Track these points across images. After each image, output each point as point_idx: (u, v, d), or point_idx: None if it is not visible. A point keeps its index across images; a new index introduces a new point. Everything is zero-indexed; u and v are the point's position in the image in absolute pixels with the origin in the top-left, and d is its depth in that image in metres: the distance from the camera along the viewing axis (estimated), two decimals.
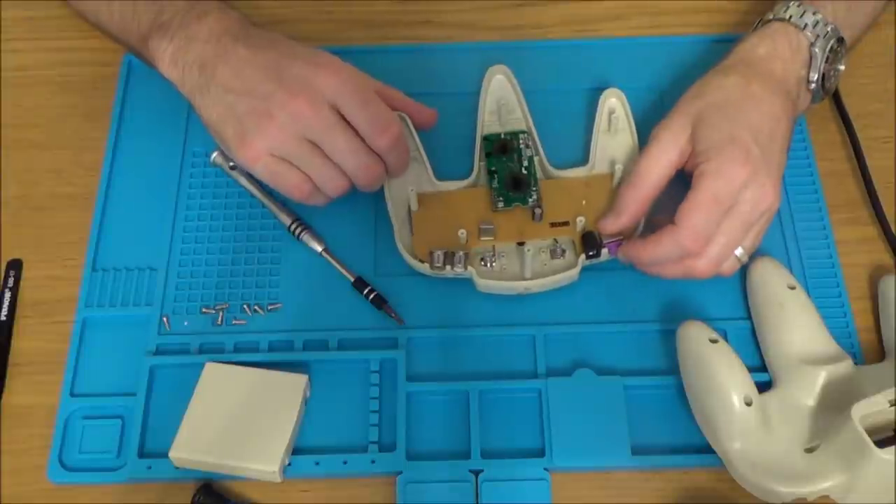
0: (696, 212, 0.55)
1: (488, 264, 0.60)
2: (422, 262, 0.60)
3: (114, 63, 0.70)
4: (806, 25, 0.60)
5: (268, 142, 0.56)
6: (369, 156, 0.57)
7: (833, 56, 0.61)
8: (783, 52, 0.60)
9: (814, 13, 0.60)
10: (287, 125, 0.55)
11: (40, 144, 0.68)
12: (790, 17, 0.60)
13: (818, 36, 0.60)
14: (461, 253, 0.59)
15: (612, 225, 0.59)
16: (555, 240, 0.61)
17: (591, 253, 0.59)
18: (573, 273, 0.59)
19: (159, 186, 0.65)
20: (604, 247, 0.59)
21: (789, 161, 0.61)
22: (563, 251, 0.60)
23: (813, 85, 0.61)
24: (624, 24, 0.73)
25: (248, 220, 0.64)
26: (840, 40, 0.61)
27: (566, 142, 0.66)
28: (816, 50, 0.60)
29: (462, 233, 0.60)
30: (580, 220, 0.60)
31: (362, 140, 0.57)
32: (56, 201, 0.65)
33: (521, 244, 0.60)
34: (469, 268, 0.59)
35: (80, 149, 0.67)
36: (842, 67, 0.62)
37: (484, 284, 0.59)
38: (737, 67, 0.60)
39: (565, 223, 0.61)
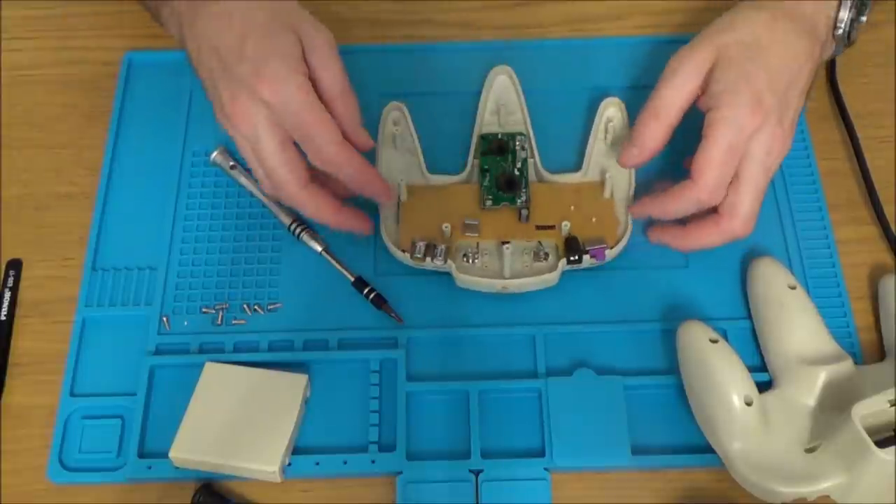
0: (713, 165, 0.55)
1: (470, 260, 0.60)
2: (404, 251, 0.60)
3: (114, 63, 0.70)
4: None
5: (229, 132, 0.57)
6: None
7: (861, 4, 0.59)
8: None
9: None
10: (232, 128, 0.56)
11: (40, 144, 0.68)
12: None
13: None
14: (443, 246, 0.59)
15: (632, 157, 0.58)
16: (539, 242, 0.61)
17: (572, 258, 0.59)
18: (552, 277, 0.59)
19: (159, 186, 0.65)
20: (586, 253, 0.59)
21: (789, 161, 0.61)
22: (546, 254, 0.60)
23: (840, 30, 0.59)
24: (624, 23, 0.73)
25: (248, 220, 0.64)
26: None
27: (563, 144, 0.66)
28: None
29: (446, 227, 0.60)
30: (565, 225, 0.60)
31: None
32: (56, 201, 0.65)
33: (504, 243, 0.60)
34: (449, 261, 0.59)
35: (80, 148, 0.67)
36: (864, 19, 0.61)
37: (462, 279, 0.59)
38: (767, 3, 0.58)
39: (551, 227, 0.61)
